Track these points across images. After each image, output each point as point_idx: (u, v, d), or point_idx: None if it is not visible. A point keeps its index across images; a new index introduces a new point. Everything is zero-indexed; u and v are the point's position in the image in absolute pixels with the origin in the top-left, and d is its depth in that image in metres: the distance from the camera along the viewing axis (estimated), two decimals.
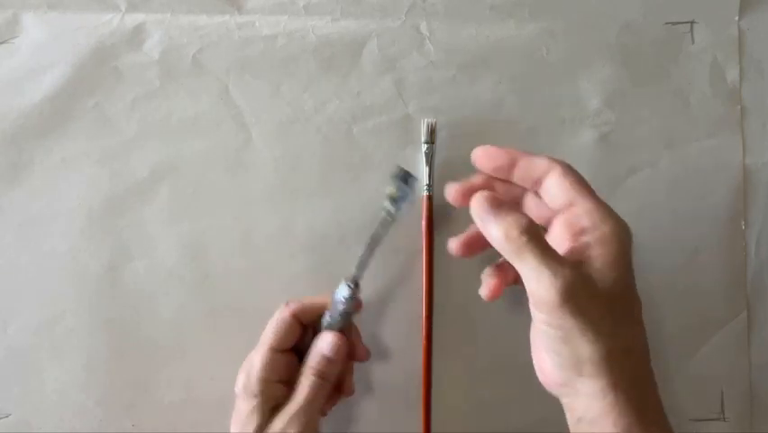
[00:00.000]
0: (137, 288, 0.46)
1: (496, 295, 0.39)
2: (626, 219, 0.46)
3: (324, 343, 0.40)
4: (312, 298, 0.42)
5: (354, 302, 0.41)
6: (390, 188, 0.40)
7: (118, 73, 0.47)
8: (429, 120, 0.46)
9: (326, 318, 0.41)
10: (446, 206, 0.46)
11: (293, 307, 0.41)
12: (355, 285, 0.41)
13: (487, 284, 0.39)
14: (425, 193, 0.45)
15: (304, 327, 0.42)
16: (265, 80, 0.47)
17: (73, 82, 0.46)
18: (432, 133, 0.46)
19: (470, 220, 0.46)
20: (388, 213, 0.41)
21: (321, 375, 0.40)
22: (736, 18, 0.48)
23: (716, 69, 0.47)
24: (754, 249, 0.47)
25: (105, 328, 0.46)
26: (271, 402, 0.40)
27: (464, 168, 0.47)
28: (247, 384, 0.40)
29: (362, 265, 0.41)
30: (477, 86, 0.47)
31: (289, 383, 0.40)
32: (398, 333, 0.46)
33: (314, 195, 0.46)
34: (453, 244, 0.40)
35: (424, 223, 0.45)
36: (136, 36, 0.47)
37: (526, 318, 0.46)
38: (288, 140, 0.47)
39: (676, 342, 0.46)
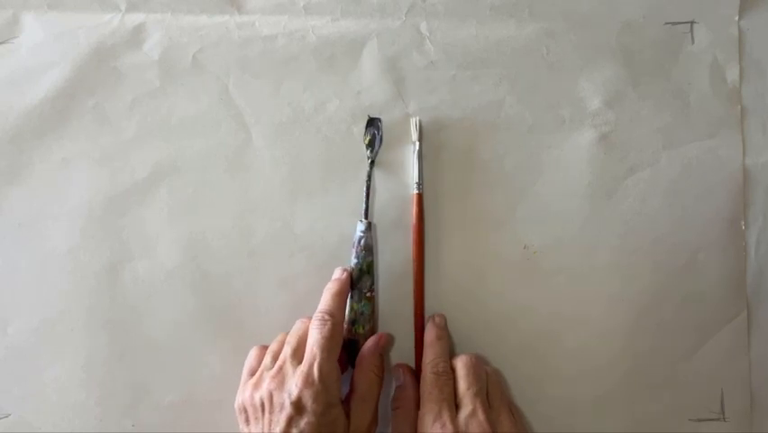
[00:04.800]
0: (137, 288, 0.46)
1: None
2: (625, 219, 0.46)
3: (383, 341, 0.44)
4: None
5: (371, 235, 0.45)
6: (364, 137, 0.46)
7: (118, 73, 0.47)
8: (415, 118, 0.46)
9: (353, 261, 0.44)
10: (437, 204, 0.46)
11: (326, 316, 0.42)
12: (367, 222, 0.45)
13: None
14: (415, 192, 0.45)
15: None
16: (265, 80, 0.47)
17: (73, 82, 0.47)
18: (419, 130, 0.46)
19: (460, 221, 0.46)
20: (368, 156, 0.46)
21: (381, 375, 0.43)
22: (736, 18, 0.48)
23: (716, 69, 0.47)
24: (754, 249, 0.47)
25: (104, 328, 0.46)
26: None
27: (464, 168, 0.47)
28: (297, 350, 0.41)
29: (366, 208, 0.45)
30: (477, 86, 0.47)
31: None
32: (391, 330, 0.46)
33: (314, 195, 0.46)
34: None
35: (414, 221, 0.45)
36: (136, 36, 0.47)
37: (517, 315, 0.46)
38: (288, 140, 0.47)
39: (676, 342, 0.46)
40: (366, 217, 0.45)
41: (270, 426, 0.38)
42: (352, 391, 0.42)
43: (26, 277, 0.46)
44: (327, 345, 0.40)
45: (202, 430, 0.45)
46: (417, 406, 0.42)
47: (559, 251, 0.46)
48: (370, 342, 0.43)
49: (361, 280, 0.44)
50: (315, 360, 0.39)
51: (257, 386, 0.40)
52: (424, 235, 0.46)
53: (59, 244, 0.46)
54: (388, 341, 0.45)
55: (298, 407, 0.38)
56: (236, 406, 0.41)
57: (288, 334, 0.43)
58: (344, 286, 0.43)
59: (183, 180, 0.46)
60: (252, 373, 0.42)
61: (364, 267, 0.44)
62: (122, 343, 0.46)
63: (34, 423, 0.46)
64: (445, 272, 0.46)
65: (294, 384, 0.38)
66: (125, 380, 0.46)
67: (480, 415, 0.40)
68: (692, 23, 0.48)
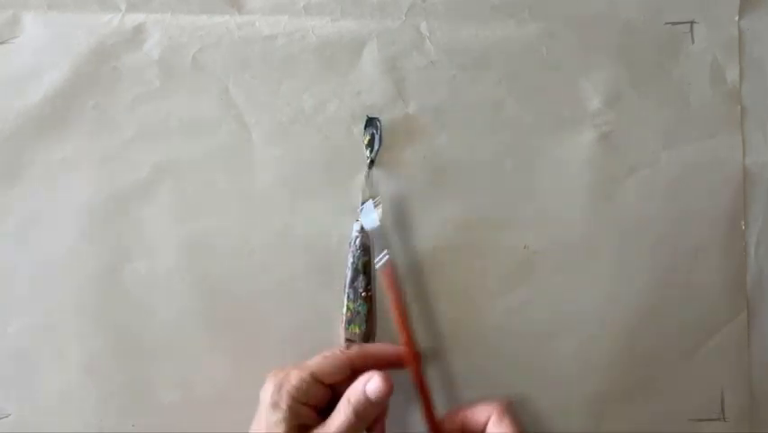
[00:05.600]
0: (137, 288, 0.46)
1: None
2: (625, 219, 0.46)
3: (372, 384, 0.39)
4: (373, 347, 0.42)
5: (368, 234, 0.44)
6: (363, 137, 0.46)
7: (118, 73, 0.47)
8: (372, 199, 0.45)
9: (349, 260, 0.44)
10: (436, 204, 0.46)
11: (352, 351, 0.41)
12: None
13: None
14: (384, 260, 0.43)
15: (353, 372, 0.41)
16: (265, 80, 0.47)
17: (73, 82, 0.46)
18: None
19: (459, 221, 0.46)
20: (367, 156, 0.46)
21: (358, 415, 0.38)
22: (736, 18, 0.48)
23: (716, 69, 0.47)
24: (753, 249, 0.47)
25: (105, 328, 0.46)
26: (298, 420, 0.39)
27: (464, 168, 0.47)
28: (277, 398, 0.39)
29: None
30: (477, 86, 0.47)
31: (317, 410, 0.40)
32: (388, 329, 0.46)
33: (314, 195, 0.46)
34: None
35: (392, 296, 0.43)
36: (136, 36, 0.47)
37: (517, 315, 0.46)
38: (288, 140, 0.47)
39: (676, 342, 0.46)
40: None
41: None
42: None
43: (26, 277, 0.46)
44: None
45: (202, 430, 0.45)
46: None
47: (559, 251, 0.46)
48: (360, 381, 0.39)
49: (357, 280, 0.44)
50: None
51: None
52: (405, 306, 0.44)
53: (59, 244, 0.46)
54: (384, 391, 0.39)
55: None
56: None
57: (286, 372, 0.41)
58: (338, 359, 0.41)
59: (183, 180, 0.46)
60: None
61: (360, 266, 0.44)
62: (122, 343, 0.46)
63: (34, 423, 0.46)
64: (444, 273, 0.46)
65: None
66: (125, 380, 0.46)
67: None
68: (692, 23, 0.48)
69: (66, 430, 0.45)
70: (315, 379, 0.40)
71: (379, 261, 0.43)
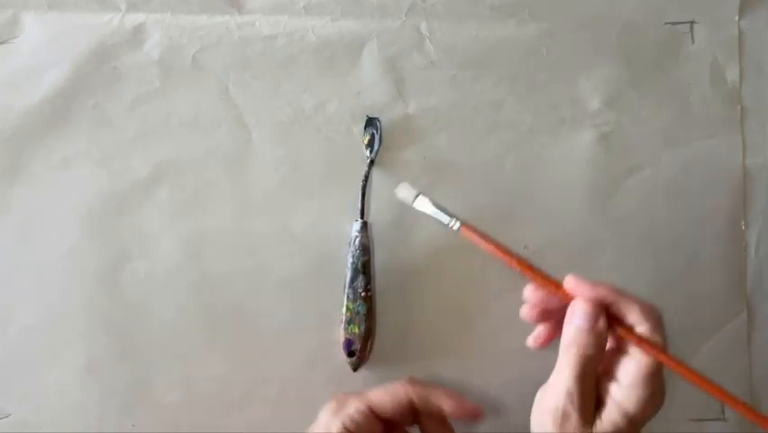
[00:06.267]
0: (137, 288, 0.46)
1: (546, 344, 0.40)
2: (626, 219, 0.46)
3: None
4: (437, 390, 0.40)
5: (367, 234, 0.45)
6: (363, 137, 0.46)
7: (118, 73, 0.47)
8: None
9: (348, 259, 0.44)
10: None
11: (415, 389, 0.39)
12: (363, 222, 0.45)
13: (539, 334, 0.40)
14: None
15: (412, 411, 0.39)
16: (265, 80, 0.47)
17: (73, 82, 0.46)
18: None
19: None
20: (367, 156, 0.46)
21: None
22: (736, 18, 0.48)
23: (716, 69, 0.47)
24: (753, 249, 0.47)
25: (104, 328, 0.46)
26: None
27: (464, 168, 0.47)
28: (330, 423, 0.38)
29: (362, 207, 0.45)
30: (477, 86, 0.47)
31: None
32: (387, 329, 0.46)
33: (314, 195, 0.46)
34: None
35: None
36: (136, 36, 0.47)
37: (517, 315, 0.46)
38: (288, 140, 0.47)
39: (676, 342, 0.46)
40: (362, 217, 0.45)
41: None
42: None
43: (26, 277, 0.46)
44: None
45: (202, 430, 0.45)
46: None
47: (559, 251, 0.46)
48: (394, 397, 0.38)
49: (356, 280, 0.44)
50: None
51: None
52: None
53: (59, 244, 0.46)
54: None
55: None
56: None
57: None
58: (399, 395, 0.39)
59: (183, 180, 0.46)
60: None
61: (359, 266, 0.44)
62: (122, 343, 0.46)
63: (34, 423, 0.46)
64: (445, 273, 0.46)
65: None
66: (125, 380, 0.46)
67: None
68: (692, 23, 0.48)
69: (66, 430, 0.45)
70: (372, 411, 0.38)
71: (453, 224, 0.40)
